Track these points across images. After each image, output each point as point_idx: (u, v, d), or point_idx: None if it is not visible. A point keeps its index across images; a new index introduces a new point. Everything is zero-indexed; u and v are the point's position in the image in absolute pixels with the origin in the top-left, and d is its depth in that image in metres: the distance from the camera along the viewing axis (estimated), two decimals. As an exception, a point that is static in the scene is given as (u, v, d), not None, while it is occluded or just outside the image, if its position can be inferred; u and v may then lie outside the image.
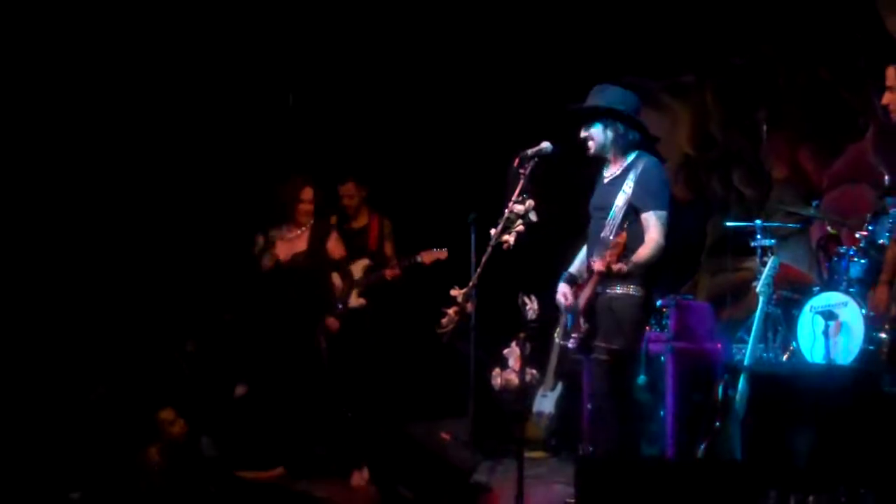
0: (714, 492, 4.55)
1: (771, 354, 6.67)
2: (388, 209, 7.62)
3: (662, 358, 6.53)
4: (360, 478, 6.27)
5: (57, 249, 7.20)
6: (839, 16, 7.65)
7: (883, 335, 5.62)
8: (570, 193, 6.73)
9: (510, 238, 4.93)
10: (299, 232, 6.82)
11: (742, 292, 7.70)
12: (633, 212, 5.15)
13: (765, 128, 8.17)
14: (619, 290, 5.13)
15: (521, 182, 5.01)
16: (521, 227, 4.95)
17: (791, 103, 8.15)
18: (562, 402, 7.22)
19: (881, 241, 6.20)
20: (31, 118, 7.15)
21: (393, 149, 8.33)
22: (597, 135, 5.29)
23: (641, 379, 6.06)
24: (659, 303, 6.36)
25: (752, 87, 8.31)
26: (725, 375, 5.82)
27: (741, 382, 5.67)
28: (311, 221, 6.84)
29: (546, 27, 8.23)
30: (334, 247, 6.90)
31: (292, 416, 6.63)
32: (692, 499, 4.54)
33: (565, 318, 5.36)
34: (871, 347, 5.92)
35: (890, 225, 6.15)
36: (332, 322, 6.79)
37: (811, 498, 5.12)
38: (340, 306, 6.85)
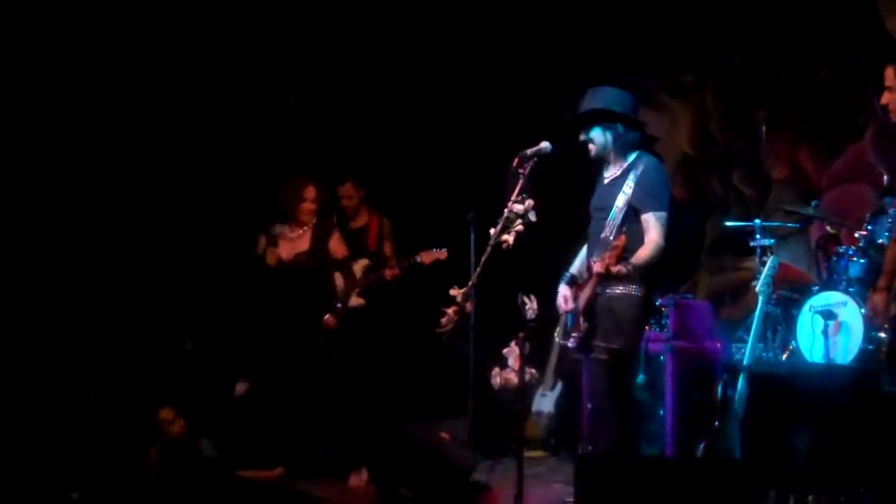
0: (713, 491, 4.54)
1: (770, 354, 6.67)
2: (387, 209, 7.62)
3: (662, 357, 6.53)
4: (359, 478, 6.27)
5: (58, 249, 7.21)
6: (839, 16, 7.65)
7: (882, 335, 5.61)
8: (570, 193, 6.74)
9: (509, 238, 4.94)
10: (301, 231, 6.82)
11: (741, 292, 7.71)
12: (633, 212, 5.15)
13: (764, 128, 8.16)
14: (618, 289, 5.13)
15: (521, 181, 5.01)
16: (520, 227, 4.95)
17: (791, 103, 8.15)
18: (561, 402, 7.22)
19: (880, 241, 6.21)
20: (31, 118, 7.15)
21: (392, 149, 8.33)
22: (596, 138, 5.29)
23: (641, 378, 6.06)
24: (658, 302, 6.36)
25: (752, 87, 8.31)
26: (725, 375, 5.82)
27: (740, 382, 5.67)
28: (314, 221, 6.83)
29: (546, 27, 8.23)
30: (336, 246, 6.90)
31: (293, 416, 6.63)
32: (691, 498, 4.54)
33: (565, 318, 5.37)
34: (871, 347, 5.92)
35: (889, 224, 6.15)
36: (330, 320, 6.79)
37: (810, 497, 5.11)
38: (339, 305, 6.85)
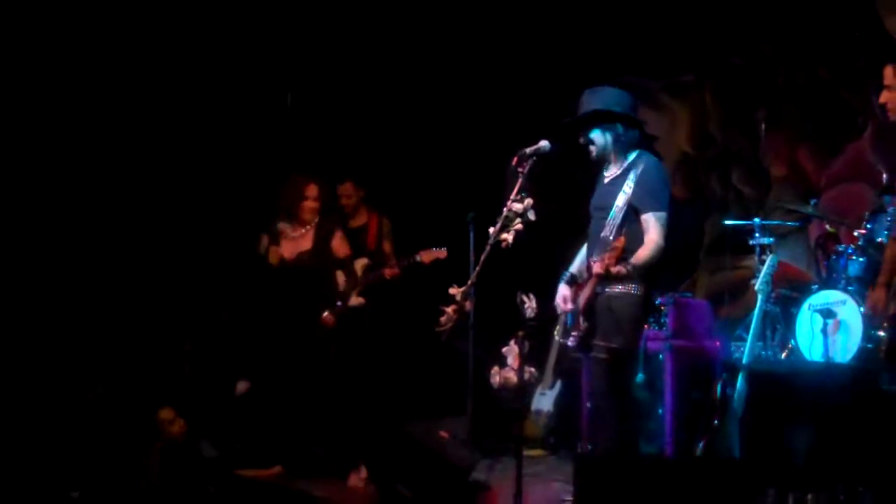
0: (712, 490, 4.54)
1: (769, 352, 6.68)
2: (386, 208, 7.62)
3: (661, 356, 6.53)
4: (358, 477, 6.27)
5: (58, 249, 7.21)
6: (838, 15, 7.65)
7: (881, 333, 5.62)
8: (569, 192, 6.74)
9: (509, 237, 4.94)
10: (304, 230, 6.82)
11: (741, 290, 7.71)
12: (633, 212, 5.15)
13: (764, 127, 8.17)
14: (618, 289, 5.13)
15: (520, 181, 5.01)
16: (519, 226, 4.95)
17: (790, 102, 8.15)
18: (560, 401, 7.21)
19: (879, 240, 6.21)
20: (31, 118, 7.15)
21: (391, 148, 8.33)
22: (596, 139, 5.29)
23: (640, 377, 6.07)
24: (657, 301, 6.36)
25: (752, 87, 8.31)
26: (724, 374, 5.82)
27: (740, 380, 5.67)
28: (316, 220, 6.83)
29: (545, 26, 8.23)
30: (339, 245, 6.90)
31: (293, 415, 6.63)
32: (691, 497, 4.54)
33: (565, 317, 5.37)
34: (870, 345, 5.93)
35: (888, 223, 6.15)
36: (328, 318, 6.79)
37: (809, 496, 5.12)
38: (339, 304, 6.85)
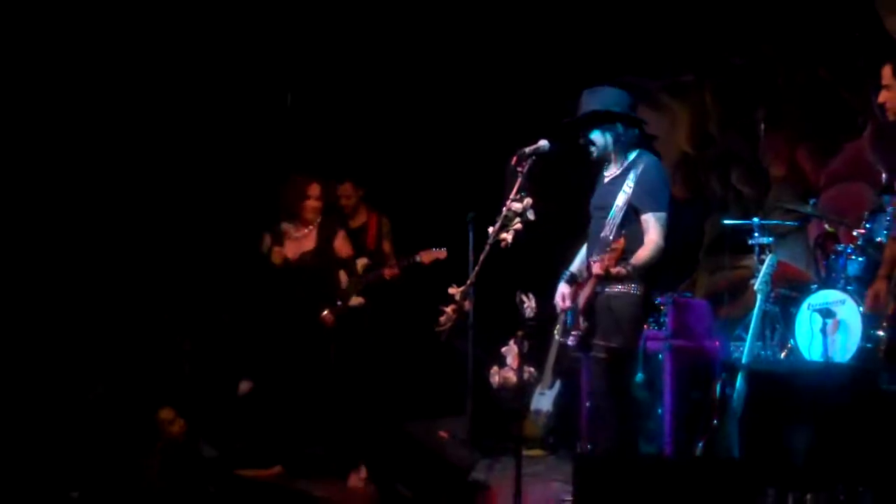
0: (712, 490, 4.54)
1: (769, 352, 6.68)
2: (386, 208, 7.62)
3: (660, 356, 6.54)
4: (358, 477, 6.27)
5: (59, 250, 7.20)
6: (838, 15, 7.65)
7: (880, 333, 5.63)
8: (569, 192, 6.74)
9: (508, 236, 4.94)
10: (307, 231, 6.81)
11: (740, 290, 7.71)
12: (633, 212, 5.15)
13: (763, 127, 8.17)
14: (618, 288, 5.13)
15: (519, 180, 5.01)
16: (518, 226, 4.95)
17: (789, 102, 8.15)
18: (560, 400, 7.21)
19: (879, 239, 6.21)
20: (32, 118, 7.15)
21: (391, 148, 8.33)
22: (597, 139, 5.29)
23: (639, 377, 6.07)
24: (657, 300, 6.36)
25: (751, 87, 8.31)
26: (723, 373, 5.82)
27: (739, 380, 5.67)
28: (319, 219, 6.82)
29: (545, 26, 8.23)
30: (342, 245, 6.89)
31: (295, 415, 6.63)
32: (690, 497, 4.54)
33: (565, 316, 5.37)
34: (869, 345, 5.93)
35: (888, 223, 6.16)
36: (328, 317, 6.79)
37: (809, 496, 5.12)
38: (339, 304, 6.84)
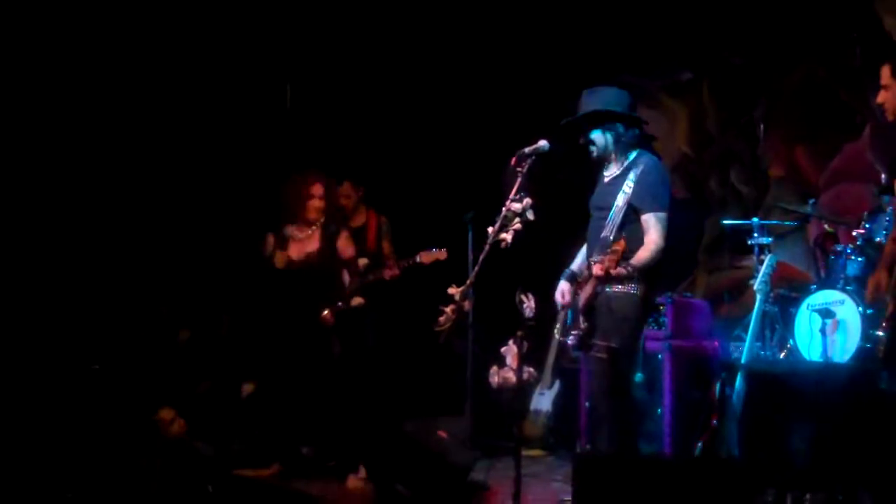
0: (711, 490, 4.53)
1: (768, 352, 6.67)
2: (385, 208, 7.62)
3: (660, 356, 6.54)
4: (357, 476, 6.27)
5: (59, 251, 7.20)
6: (837, 15, 7.65)
7: (880, 333, 5.61)
8: (568, 192, 6.74)
9: (508, 236, 4.94)
10: (310, 231, 6.77)
11: (739, 290, 7.72)
12: (632, 212, 5.15)
13: (762, 126, 8.17)
14: (618, 288, 5.13)
15: (519, 180, 5.01)
16: (518, 226, 4.95)
17: (788, 102, 8.15)
18: (559, 400, 7.23)
19: (878, 239, 6.21)
20: (35, 118, 7.15)
21: (390, 148, 8.33)
22: (597, 139, 5.28)
23: (639, 377, 6.06)
24: (657, 301, 6.36)
25: (750, 86, 8.32)
26: (723, 373, 5.82)
27: (738, 380, 5.67)
28: (322, 219, 6.80)
29: (544, 26, 8.24)
30: (345, 245, 6.85)
31: (294, 415, 6.62)
32: (689, 497, 4.53)
33: (565, 315, 5.37)
34: (868, 345, 5.93)
35: (887, 223, 6.16)
36: (327, 316, 6.78)
37: (808, 496, 5.12)
38: (340, 304, 6.83)
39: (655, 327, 6.64)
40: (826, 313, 6.24)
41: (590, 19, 8.18)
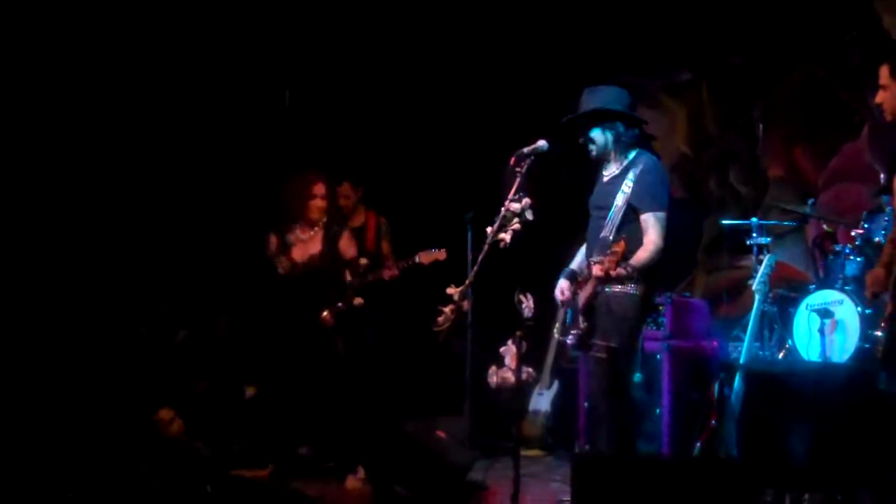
0: (710, 490, 4.53)
1: (767, 352, 6.68)
2: (384, 208, 7.62)
3: (658, 356, 6.54)
4: (355, 477, 6.27)
5: (60, 249, 7.20)
6: (836, 14, 7.65)
7: (878, 333, 5.61)
8: (567, 192, 6.74)
9: (506, 236, 4.94)
10: (312, 233, 6.75)
11: (738, 290, 7.72)
12: (632, 211, 5.15)
13: (761, 126, 8.18)
14: (618, 288, 5.13)
15: (518, 180, 5.01)
16: (517, 226, 4.95)
17: (787, 102, 8.15)
18: (558, 401, 7.23)
19: (877, 240, 6.21)
20: (36, 118, 7.15)
21: (390, 148, 8.33)
22: (597, 138, 5.29)
23: (637, 377, 6.06)
24: (655, 301, 6.36)
25: (749, 86, 8.32)
26: (721, 373, 5.83)
27: (737, 380, 5.67)
28: (324, 220, 6.78)
29: (543, 26, 8.24)
30: (346, 246, 6.84)
31: (293, 415, 6.62)
32: (688, 497, 4.54)
33: (565, 314, 5.37)
34: (867, 345, 5.93)
35: (886, 223, 6.16)
36: (327, 317, 6.77)
37: (807, 496, 5.13)
38: (340, 304, 6.83)
39: (654, 327, 6.64)
40: (825, 313, 6.24)
41: (589, 19, 8.18)
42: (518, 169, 5.03)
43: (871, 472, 5.11)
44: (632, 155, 5.29)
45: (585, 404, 6.22)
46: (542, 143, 5.07)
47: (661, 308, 6.62)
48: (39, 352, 6.92)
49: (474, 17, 8.18)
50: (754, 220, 6.97)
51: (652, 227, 5.12)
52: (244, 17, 7.86)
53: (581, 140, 5.31)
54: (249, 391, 6.97)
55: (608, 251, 4.98)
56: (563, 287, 5.32)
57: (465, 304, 4.99)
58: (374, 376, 7.09)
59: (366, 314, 7.04)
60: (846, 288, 6.26)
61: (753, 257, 6.80)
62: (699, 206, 8.61)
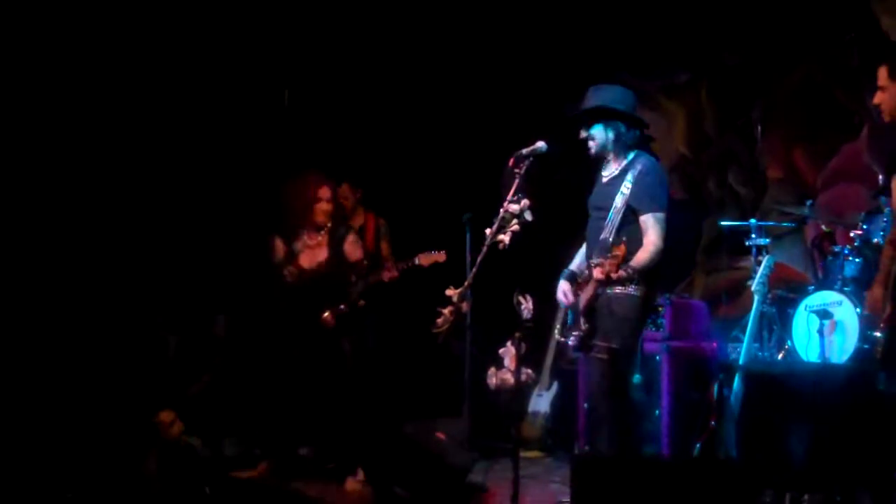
0: (710, 491, 4.54)
1: (766, 353, 6.68)
2: (383, 209, 7.62)
3: (658, 357, 6.54)
4: (355, 478, 6.27)
5: (59, 251, 7.20)
6: (834, 15, 7.66)
7: (878, 334, 5.62)
8: (566, 192, 6.74)
9: (505, 238, 4.94)
10: (319, 238, 6.71)
11: (737, 291, 7.72)
12: (631, 213, 5.15)
13: (760, 127, 8.18)
14: (619, 290, 5.13)
15: (517, 181, 5.01)
16: (516, 227, 4.95)
17: (786, 103, 8.16)
18: (557, 402, 7.23)
19: (875, 241, 6.22)
20: (35, 119, 7.15)
21: (389, 149, 8.33)
22: (598, 135, 5.29)
23: (637, 378, 6.06)
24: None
25: (748, 87, 8.32)
26: (721, 374, 5.83)
27: (736, 381, 5.67)
28: (329, 224, 6.75)
29: (542, 27, 8.24)
30: (352, 249, 6.81)
31: (295, 416, 6.61)
32: (688, 498, 4.54)
33: (565, 314, 5.37)
34: (866, 346, 5.94)
35: (884, 224, 6.17)
36: (328, 318, 6.77)
37: (806, 497, 5.12)
38: (343, 306, 6.82)
39: (654, 328, 6.64)
40: (824, 314, 6.25)
41: (588, 20, 8.18)
42: (517, 170, 5.03)
43: (871, 472, 5.11)
44: (631, 156, 5.29)
45: (585, 405, 6.21)
46: (540, 144, 5.07)
47: (660, 309, 6.62)
48: (39, 352, 6.92)
49: (474, 17, 8.18)
50: (753, 221, 6.98)
51: (651, 229, 5.12)
52: (243, 18, 7.86)
53: (582, 135, 5.30)
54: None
55: (609, 254, 4.98)
56: (565, 289, 5.32)
57: (465, 306, 4.99)
58: (373, 378, 7.09)
59: (366, 315, 7.04)
60: (845, 289, 6.26)
61: (752, 258, 6.81)
62: (698, 208, 8.62)
